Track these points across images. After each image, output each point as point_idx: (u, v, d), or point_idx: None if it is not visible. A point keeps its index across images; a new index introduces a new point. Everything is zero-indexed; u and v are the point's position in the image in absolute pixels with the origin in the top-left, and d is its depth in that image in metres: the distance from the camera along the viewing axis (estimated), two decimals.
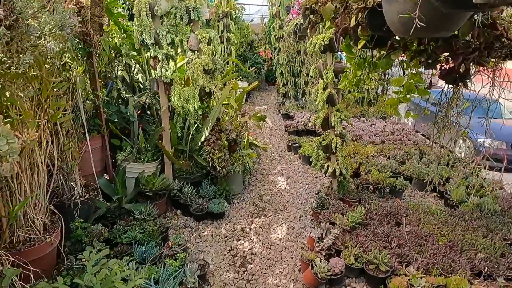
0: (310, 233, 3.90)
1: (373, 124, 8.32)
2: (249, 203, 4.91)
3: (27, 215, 2.87)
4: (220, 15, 9.31)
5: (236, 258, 3.72)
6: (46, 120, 3.17)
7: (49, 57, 2.95)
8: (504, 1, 1.17)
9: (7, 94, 2.70)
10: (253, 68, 12.55)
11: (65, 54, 3.63)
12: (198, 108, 4.36)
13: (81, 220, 3.49)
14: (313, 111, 9.05)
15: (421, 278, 3.13)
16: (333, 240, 3.59)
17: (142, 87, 5.32)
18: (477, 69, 2.61)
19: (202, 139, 4.55)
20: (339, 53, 4.82)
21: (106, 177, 4.52)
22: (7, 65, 2.33)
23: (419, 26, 1.50)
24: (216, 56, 4.69)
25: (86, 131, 3.93)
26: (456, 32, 1.88)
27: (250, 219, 4.52)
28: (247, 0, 13.77)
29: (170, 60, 4.39)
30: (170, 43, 4.14)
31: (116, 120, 4.52)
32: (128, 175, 4.43)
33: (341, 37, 3.07)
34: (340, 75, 4.39)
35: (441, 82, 2.91)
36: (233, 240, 4.02)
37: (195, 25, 4.26)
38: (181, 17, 4.08)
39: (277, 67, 10.95)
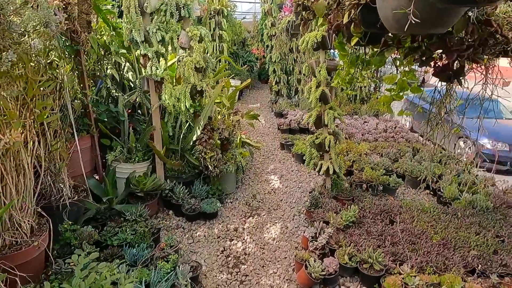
0: (304, 232, 3.87)
1: (366, 122, 8.32)
2: (242, 203, 4.87)
3: (13, 218, 2.78)
4: (212, 12, 9.21)
5: (229, 258, 3.68)
6: (32, 120, 3.08)
7: (34, 55, 2.85)
8: None
9: None
10: (245, 66, 12.48)
11: (51, 52, 3.53)
12: (189, 107, 4.29)
13: (70, 222, 3.41)
14: (306, 109, 9.03)
15: (415, 276, 3.11)
16: (327, 239, 3.56)
17: (132, 85, 5.23)
18: (469, 66, 2.59)
19: (194, 138, 4.49)
20: (332, 50, 4.79)
21: (97, 177, 4.43)
22: None
23: (413, 22, 1.46)
24: (208, 54, 4.61)
25: (74, 131, 3.84)
26: (450, 29, 1.85)
27: (243, 219, 4.47)
28: None
29: (161, 58, 4.31)
30: (160, 40, 4.06)
31: (106, 120, 4.43)
32: (119, 175, 4.36)
33: (334, 34, 3.03)
34: (333, 72, 4.36)
35: (433, 80, 2.90)
36: (226, 241, 3.97)
37: (185, 22, 4.18)
38: (171, 14, 4.00)
39: (269, 65, 10.90)
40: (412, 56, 2.10)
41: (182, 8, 4.01)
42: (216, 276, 3.41)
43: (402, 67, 2.85)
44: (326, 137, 4.42)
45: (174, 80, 4.93)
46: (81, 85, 4.09)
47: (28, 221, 2.92)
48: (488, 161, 5.98)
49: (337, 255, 3.42)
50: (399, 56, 2.73)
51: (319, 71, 4.23)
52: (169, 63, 4.84)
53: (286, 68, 10.68)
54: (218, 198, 4.57)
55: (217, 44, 9.33)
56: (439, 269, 3.27)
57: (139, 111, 5.11)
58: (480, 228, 3.94)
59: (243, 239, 4.03)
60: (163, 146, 4.57)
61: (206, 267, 3.52)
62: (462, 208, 4.41)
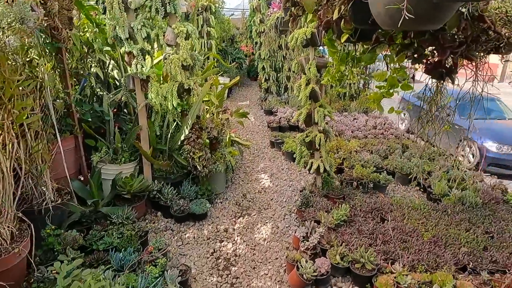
0: (295, 232, 3.82)
1: (355, 119, 8.32)
2: (232, 203, 4.79)
3: None
4: (200, 8, 9.07)
5: (220, 260, 3.60)
6: (10, 122, 2.94)
7: (10, 53, 2.71)
8: None
9: None
10: (234, 63, 12.36)
11: (30, 49, 3.38)
12: (177, 105, 4.18)
13: (53, 227, 3.28)
14: (296, 106, 8.98)
15: (407, 275, 3.10)
16: (318, 239, 3.52)
17: (118, 84, 5.09)
18: (460, 64, 2.56)
19: (182, 138, 4.38)
20: (321, 47, 4.74)
21: (81, 177, 4.29)
22: None
23: (407, 18, 1.41)
24: (196, 51, 4.50)
25: (57, 131, 3.70)
26: (443, 26, 1.80)
27: (234, 219, 4.40)
28: None
29: (146, 56, 4.18)
30: (145, 37, 3.94)
31: (90, 119, 4.29)
32: (104, 177, 4.23)
33: (324, 31, 2.97)
34: (323, 70, 4.31)
35: (422, 77, 2.87)
36: (216, 242, 3.90)
37: (171, 18, 4.07)
38: (157, 10, 3.88)
39: (258, 62, 10.81)
40: (405, 53, 2.05)
41: (167, 4, 3.90)
42: (206, 279, 3.33)
43: (392, 64, 2.81)
44: (316, 135, 4.37)
45: (162, 78, 4.81)
46: (63, 84, 3.95)
47: (8, 227, 2.79)
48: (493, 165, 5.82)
49: (328, 255, 3.38)
50: (390, 53, 2.70)
51: (309, 68, 4.17)
52: (155, 61, 4.72)
53: (275, 65, 10.61)
54: (207, 198, 4.48)
55: (205, 41, 9.20)
56: (430, 267, 3.26)
57: (125, 110, 4.97)
58: (470, 225, 3.95)
59: (234, 240, 3.96)
60: (150, 146, 4.46)
61: (196, 270, 3.44)
62: (452, 205, 4.42)
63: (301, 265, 3.17)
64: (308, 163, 4.60)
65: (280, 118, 8.16)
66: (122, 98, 4.62)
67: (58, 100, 3.86)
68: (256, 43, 10.92)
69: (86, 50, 4.48)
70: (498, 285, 3.10)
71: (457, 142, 6.93)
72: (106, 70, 4.87)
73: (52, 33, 3.63)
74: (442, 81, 2.22)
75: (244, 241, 3.95)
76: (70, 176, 3.93)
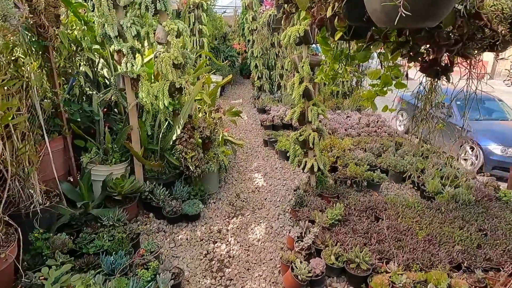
0: (289, 232, 3.78)
1: (348, 117, 8.31)
2: (225, 203, 4.73)
3: None
4: (191, 6, 8.95)
5: (213, 262, 3.55)
6: None
7: None
8: None
9: None
10: (227, 61, 12.27)
11: (16, 48, 3.28)
12: (168, 105, 4.11)
13: (42, 230, 3.20)
14: (289, 105, 8.94)
15: (401, 274, 3.08)
16: (312, 239, 3.49)
17: (108, 83, 4.99)
18: (454, 61, 2.54)
19: (174, 137, 4.31)
20: (314, 45, 4.70)
21: (71, 179, 4.20)
22: None
23: (404, 15, 1.36)
24: (188, 49, 4.43)
25: (44, 132, 3.59)
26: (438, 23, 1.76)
27: (227, 220, 4.34)
28: None
29: (137, 54, 4.10)
30: (135, 35, 3.85)
31: (79, 120, 4.19)
32: (95, 178, 4.14)
33: (317, 29, 2.92)
34: (316, 68, 4.27)
35: (417, 76, 2.83)
36: (209, 243, 3.84)
37: (162, 16, 3.98)
38: (147, 8, 3.79)
39: (251, 60, 10.74)
40: (400, 51, 2.01)
41: (157, 1, 3.81)
42: (199, 281, 3.27)
43: (385, 62, 2.78)
44: (310, 134, 4.33)
45: (153, 77, 4.72)
46: (51, 84, 3.84)
47: None
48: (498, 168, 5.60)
49: (323, 256, 3.34)
50: (384, 51, 2.66)
51: (302, 66, 4.12)
52: (146, 59, 4.63)
53: (268, 63, 10.54)
54: (200, 199, 4.42)
55: (197, 39, 9.09)
56: (425, 266, 3.25)
57: (115, 110, 4.88)
58: (463, 222, 3.95)
59: (227, 241, 3.91)
60: (142, 146, 4.38)
61: (189, 272, 3.38)
62: (445, 202, 4.42)
63: (295, 266, 3.14)
64: (302, 162, 4.56)
65: (273, 116, 8.12)
66: (112, 97, 4.52)
67: (45, 100, 3.76)
68: (249, 41, 10.84)
69: (74, 49, 4.37)
70: (493, 283, 3.10)
71: (459, 144, 6.70)
72: (95, 69, 4.77)
73: (38, 31, 3.52)
74: (437, 80, 2.19)
75: (238, 241, 3.90)
76: (59, 178, 3.83)
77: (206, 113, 5.13)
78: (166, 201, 4.18)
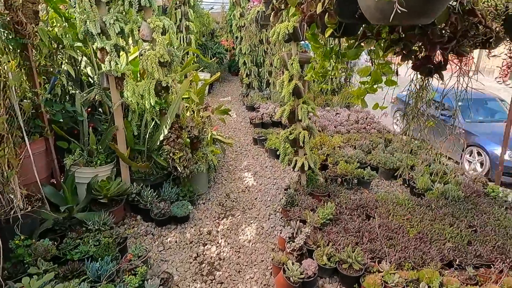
0: (281, 232, 3.73)
1: (338, 114, 8.29)
2: (215, 203, 4.65)
3: None
4: (177, 2, 8.77)
5: (203, 265, 3.47)
6: None
7: None
8: None
9: None
10: (215, 58, 12.12)
11: None
12: (154, 104, 3.99)
13: (23, 237, 3.07)
14: (278, 102, 8.88)
15: (394, 274, 3.06)
16: (304, 240, 3.44)
17: (92, 81, 4.83)
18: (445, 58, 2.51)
19: (161, 138, 4.20)
20: (303, 42, 4.63)
21: (53, 181, 4.05)
22: None
23: (399, 12, 1.30)
24: (175, 47, 4.31)
25: (24, 134, 3.44)
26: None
27: (217, 221, 4.26)
28: None
29: (121, 52, 3.96)
30: (119, 32, 3.71)
31: (62, 120, 4.03)
32: (79, 180, 4.00)
33: (307, 25, 2.85)
34: (306, 65, 4.21)
35: (408, 74, 2.80)
36: (199, 246, 3.76)
37: (147, 12, 3.85)
38: (130, 3, 3.66)
39: (239, 57, 10.62)
40: (393, 49, 1.96)
41: None
42: (189, 286, 3.19)
43: (377, 59, 2.73)
44: (300, 133, 4.28)
45: (139, 75, 4.59)
46: (31, 83, 3.68)
47: None
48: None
49: (315, 256, 3.30)
50: (375, 48, 2.61)
51: (291, 64, 4.06)
52: (131, 57, 4.50)
53: (256, 60, 10.44)
54: (189, 200, 4.33)
55: (184, 36, 8.92)
56: (417, 264, 3.24)
57: (99, 109, 4.73)
58: (453, 219, 3.96)
59: (217, 242, 3.83)
60: (128, 147, 4.25)
61: (179, 276, 3.29)
62: (435, 199, 4.43)
63: (287, 268, 3.08)
64: (292, 161, 4.51)
65: (263, 114, 8.04)
66: (96, 97, 4.37)
67: (25, 101, 3.60)
68: (237, 37, 10.71)
69: (55, 46, 4.20)
70: (483, 280, 3.11)
71: (462, 147, 6.30)
72: (78, 67, 4.60)
73: (16, 28, 3.36)
74: (430, 78, 2.15)
75: (228, 243, 3.82)
76: (41, 181, 3.69)
77: (194, 112, 5.03)
78: (154, 203, 4.07)
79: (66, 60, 4.43)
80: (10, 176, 3.15)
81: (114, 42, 3.71)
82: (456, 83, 2.65)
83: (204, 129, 4.86)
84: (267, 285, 3.22)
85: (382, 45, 2.10)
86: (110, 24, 3.65)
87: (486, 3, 1.91)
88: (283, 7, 2.88)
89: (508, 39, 2.08)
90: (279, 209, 4.47)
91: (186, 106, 4.98)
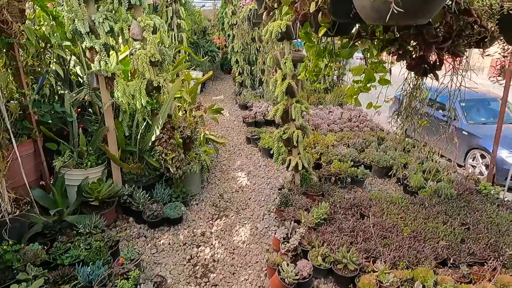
0: (275, 233, 3.70)
1: (330, 112, 8.29)
2: (208, 204, 4.60)
3: None
4: (168, 0, 8.67)
5: (197, 267, 3.43)
6: None
7: None
8: None
9: None
10: (207, 56, 12.01)
11: None
12: (146, 104, 3.92)
13: (11, 242, 2.99)
14: (271, 100, 8.84)
15: (388, 273, 3.05)
16: (299, 240, 3.42)
17: (82, 81, 4.73)
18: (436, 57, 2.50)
19: (153, 138, 4.13)
20: (295, 40, 4.58)
21: (42, 182, 3.97)
22: None
23: (396, 12, 1.27)
24: (166, 45, 4.23)
25: (12, 136, 3.35)
26: None
27: (211, 222, 4.22)
28: None
29: (111, 51, 3.88)
30: (108, 31, 3.62)
31: (51, 121, 3.95)
32: (69, 183, 3.92)
33: (300, 24, 2.81)
34: (299, 64, 4.18)
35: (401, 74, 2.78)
36: (193, 248, 3.71)
37: (137, 10, 3.78)
38: (120, 2, 3.59)
39: (232, 55, 10.55)
40: (389, 49, 1.93)
41: None
42: None
43: (370, 58, 2.71)
44: (294, 132, 4.25)
45: (130, 75, 4.51)
46: (18, 84, 3.59)
47: None
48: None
49: (310, 257, 3.28)
50: (369, 47, 2.59)
51: (285, 63, 4.02)
52: (121, 56, 4.41)
53: (249, 58, 10.38)
54: (182, 201, 4.27)
55: (176, 34, 8.82)
56: (411, 263, 3.24)
57: (90, 109, 4.63)
58: (446, 217, 3.98)
59: (211, 244, 3.79)
60: (119, 148, 4.17)
61: (172, 279, 3.25)
62: (428, 197, 4.45)
63: (282, 269, 3.06)
64: (286, 161, 4.48)
65: (256, 113, 8.00)
66: (86, 97, 4.28)
67: (12, 101, 3.51)
68: (229, 35, 10.63)
69: (43, 46, 4.10)
70: (477, 278, 3.12)
71: (466, 151, 6.15)
72: (67, 67, 4.50)
73: (1, 27, 3.27)
74: (425, 77, 2.14)
75: (222, 244, 3.79)
76: (30, 184, 3.60)
77: (186, 112, 4.97)
78: (146, 205, 4.01)
79: (55, 60, 4.33)
80: None
81: (104, 41, 3.62)
82: (450, 82, 2.65)
83: (197, 129, 4.81)
84: (262, 286, 3.20)
85: (376, 43, 2.07)
86: (99, 22, 3.56)
87: (481, 2, 1.90)
88: (276, 6, 2.84)
89: (502, 38, 2.08)
90: (273, 209, 4.44)
91: (178, 106, 4.91)
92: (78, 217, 3.62)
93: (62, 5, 3.64)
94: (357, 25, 2.22)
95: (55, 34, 4.15)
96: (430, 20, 1.73)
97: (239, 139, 7.23)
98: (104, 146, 3.95)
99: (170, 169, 4.11)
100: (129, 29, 3.77)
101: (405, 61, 1.92)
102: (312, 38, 3.01)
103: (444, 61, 2.56)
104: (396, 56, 1.91)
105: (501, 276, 3.04)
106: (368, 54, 2.68)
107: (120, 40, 4.10)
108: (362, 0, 1.45)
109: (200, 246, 3.75)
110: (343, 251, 3.19)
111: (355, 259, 3.16)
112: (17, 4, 3.36)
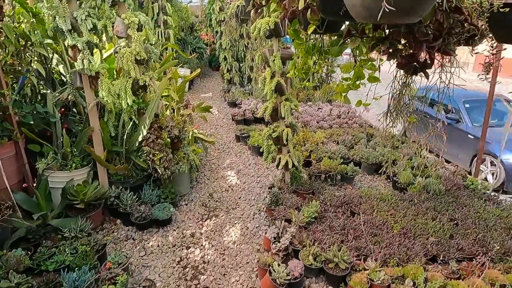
0: (265, 232, 3.67)
1: (320, 108, 8.29)
2: (198, 204, 4.54)
3: None
4: None
5: (187, 269, 3.37)
6: None
7: None
8: None
9: None
10: (194, 53, 11.87)
11: None
12: (132, 103, 3.82)
13: None
14: (260, 98, 8.80)
15: (379, 271, 3.05)
16: (290, 240, 3.39)
17: (65, 80, 4.58)
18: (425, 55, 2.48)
19: (140, 138, 4.04)
20: (284, 37, 4.54)
21: (25, 185, 3.84)
22: None
23: (387, 10, 1.24)
24: (153, 42, 4.12)
25: None
26: None
27: (200, 222, 4.16)
28: None
29: (95, 49, 3.76)
30: (91, 29, 3.51)
31: (32, 122, 3.81)
32: (53, 185, 3.80)
33: (289, 22, 2.77)
34: (288, 61, 4.13)
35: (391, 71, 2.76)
36: (182, 249, 3.65)
37: (120, 7, 3.67)
38: None
39: (220, 52, 10.45)
40: (379, 47, 1.90)
41: None
42: None
43: (360, 56, 2.68)
44: (283, 130, 4.22)
45: (115, 73, 4.39)
46: None
47: None
48: None
49: (301, 256, 3.26)
50: (359, 45, 2.55)
51: (273, 60, 3.97)
52: (105, 54, 4.30)
53: (237, 55, 10.31)
54: (171, 202, 4.20)
55: (162, 31, 8.68)
56: (402, 260, 3.25)
57: (74, 109, 4.50)
58: (435, 213, 4.01)
59: (201, 245, 3.74)
60: (105, 149, 4.06)
61: (162, 282, 3.19)
62: (417, 193, 4.48)
63: (273, 270, 3.03)
64: (276, 159, 4.44)
65: (245, 110, 7.94)
66: (69, 97, 4.15)
67: None
68: (217, 32, 10.52)
69: (23, 44, 3.95)
70: (466, 273, 3.15)
71: (472, 155, 5.88)
72: (49, 66, 4.35)
73: None
74: (415, 76, 2.12)
75: (212, 245, 3.74)
76: (12, 188, 3.48)
77: (174, 110, 4.88)
78: (134, 206, 3.93)
79: (36, 58, 4.18)
80: None
81: (87, 39, 3.51)
82: (438, 80, 2.64)
83: (185, 128, 4.73)
84: (253, 287, 3.16)
85: (365, 41, 2.04)
86: (81, 20, 3.45)
87: (471, 0, 1.88)
88: (264, 3, 2.78)
89: (491, 35, 2.07)
90: (263, 208, 4.40)
91: (166, 105, 4.82)
92: (63, 221, 3.52)
93: (43, 1, 3.51)
94: (347, 23, 2.19)
95: (35, 32, 4.00)
96: (421, 18, 1.70)
97: (229, 137, 7.16)
98: (89, 147, 3.84)
99: (158, 170, 4.03)
100: (113, 27, 3.66)
101: (395, 59, 1.89)
102: (301, 36, 2.96)
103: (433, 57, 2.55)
104: (387, 55, 1.88)
105: (490, 271, 3.08)
106: (358, 52, 2.65)
107: (104, 38, 3.98)
108: None
109: (190, 247, 3.69)
110: (334, 250, 3.18)
111: (346, 258, 3.15)
112: None
